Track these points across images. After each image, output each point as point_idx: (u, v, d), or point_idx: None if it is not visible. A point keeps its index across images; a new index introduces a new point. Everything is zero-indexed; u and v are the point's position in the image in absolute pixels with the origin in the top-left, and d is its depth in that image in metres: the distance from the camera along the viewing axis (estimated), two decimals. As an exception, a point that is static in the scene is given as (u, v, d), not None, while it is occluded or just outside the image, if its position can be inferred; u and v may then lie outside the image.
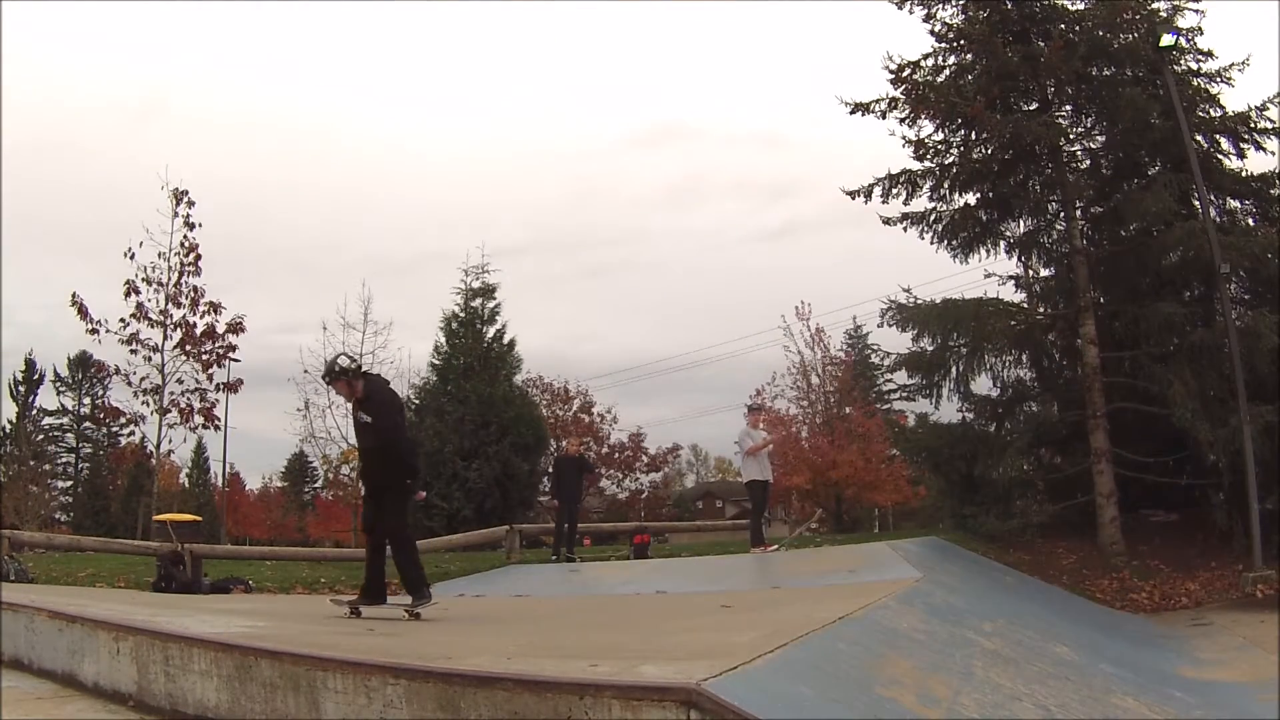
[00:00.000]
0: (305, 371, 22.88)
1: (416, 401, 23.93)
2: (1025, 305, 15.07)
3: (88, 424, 49.52)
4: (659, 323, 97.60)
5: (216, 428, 21.24)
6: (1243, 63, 13.50)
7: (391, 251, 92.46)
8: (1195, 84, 13.77)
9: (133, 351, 18.33)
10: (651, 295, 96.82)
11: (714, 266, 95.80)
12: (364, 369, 7.06)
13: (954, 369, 14.48)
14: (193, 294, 18.95)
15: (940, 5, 14.50)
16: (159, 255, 18.67)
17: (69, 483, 48.22)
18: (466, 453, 22.22)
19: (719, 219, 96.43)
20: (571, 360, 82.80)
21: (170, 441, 19.25)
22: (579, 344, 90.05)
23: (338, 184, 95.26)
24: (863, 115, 14.44)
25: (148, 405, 18.63)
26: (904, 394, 20.07)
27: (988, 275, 15.16)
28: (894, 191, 14.66)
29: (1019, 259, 15.24)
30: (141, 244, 18.50)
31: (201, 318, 19.03)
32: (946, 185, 14.64)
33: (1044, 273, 15.28)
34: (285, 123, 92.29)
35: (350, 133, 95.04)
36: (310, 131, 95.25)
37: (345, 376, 6.67)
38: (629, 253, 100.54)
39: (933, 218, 14.82)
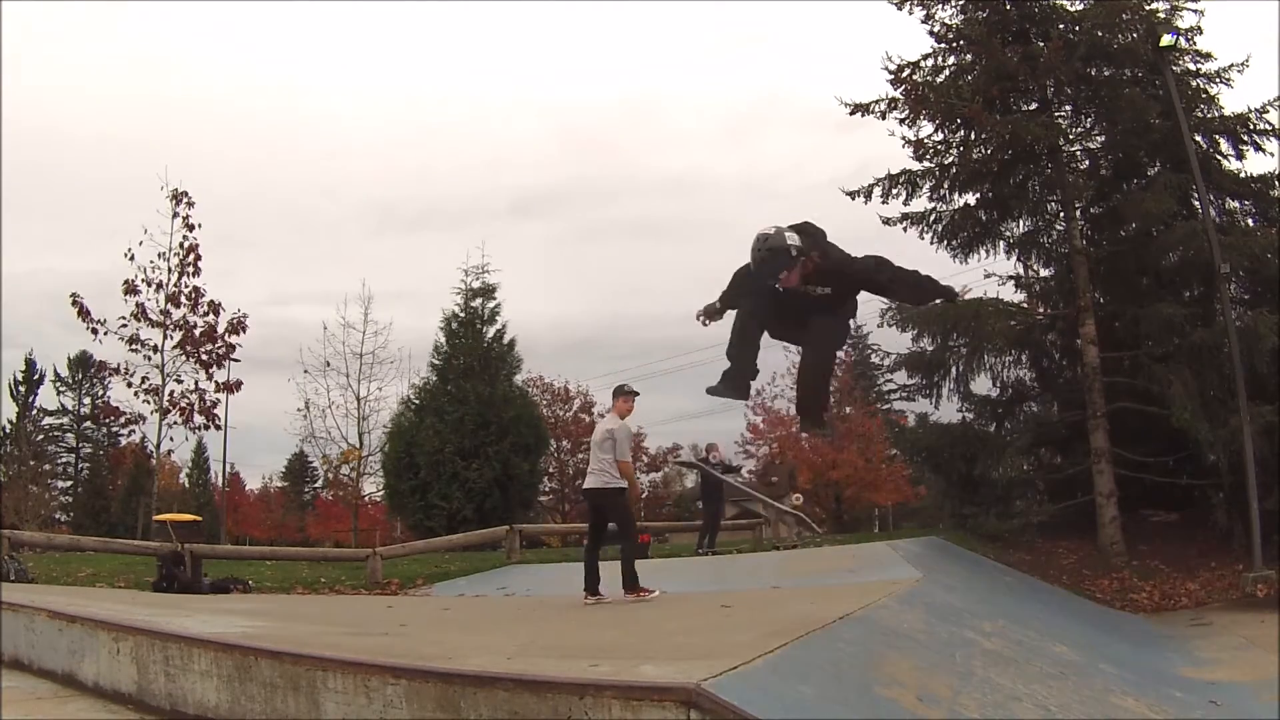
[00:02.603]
0: (305, 371, 22.89)
1: (416, 402, 23.96)
2: (1025, 305, 15.09)
3: (88, 424, 49.50)
4: (692, 291, 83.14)
5: (217, 427, 21.27)
6: (1242, 63, 13.53)
7: (399, 200, 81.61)
8: (1194, 85, 13.79)
9: (134, 350, 18.37)
10: (692, 258, 79.83)
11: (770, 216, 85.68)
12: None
13: (954, 369, 14.52)
14: (193, 295, 18.99)
15: (939, 6, 14.52)
16: (159, 255, 18.72)
17: (69, 483, 48.16)
18: (466, 453, 22.24)
19: (784, 158, 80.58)
20: (594, 343, 76.00)
21: (171, 440, 19.30)
22: (601, 320, 79.85)
23: (336, 110, 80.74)
24: (862, 116, 14.46)
25: (148, 404, 18.68)
26: (904, 394, 20.10)
27: (988, 275, 15.25)
28: (894, 192, 14.69)
29: (1019, 259, 15.29)
30: (141, 243, 18.55)
31: (202, 318, 19.08)
32: (946, 185, 14.67)
33: (1044, 273, 15.34)
34: (280, 49, 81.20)
35: (349, 43, 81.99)
36: (301, 45, 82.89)
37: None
38: (676, 206, 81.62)
39: (933, 218, 14.85)
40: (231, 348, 19.74)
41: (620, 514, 7.67)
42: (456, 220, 77.27)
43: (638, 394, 8.00)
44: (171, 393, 18.68)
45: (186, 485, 49.02)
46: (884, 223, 15.02)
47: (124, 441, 42.38)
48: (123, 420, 20.43)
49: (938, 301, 5.09)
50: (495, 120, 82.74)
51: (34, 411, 47.80)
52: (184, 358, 18.85)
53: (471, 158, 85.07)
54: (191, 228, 19.00)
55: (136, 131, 65.22)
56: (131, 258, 18.45)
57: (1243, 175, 13.79)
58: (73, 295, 18.16)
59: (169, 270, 18.77)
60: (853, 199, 14.71)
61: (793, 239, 4.73)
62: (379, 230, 76.66)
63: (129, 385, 18.50)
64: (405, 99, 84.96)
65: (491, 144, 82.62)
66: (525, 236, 75.10)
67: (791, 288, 4.79)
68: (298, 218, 75.26)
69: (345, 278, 51.13)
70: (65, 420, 50.11)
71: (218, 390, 19.69)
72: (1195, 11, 13.62)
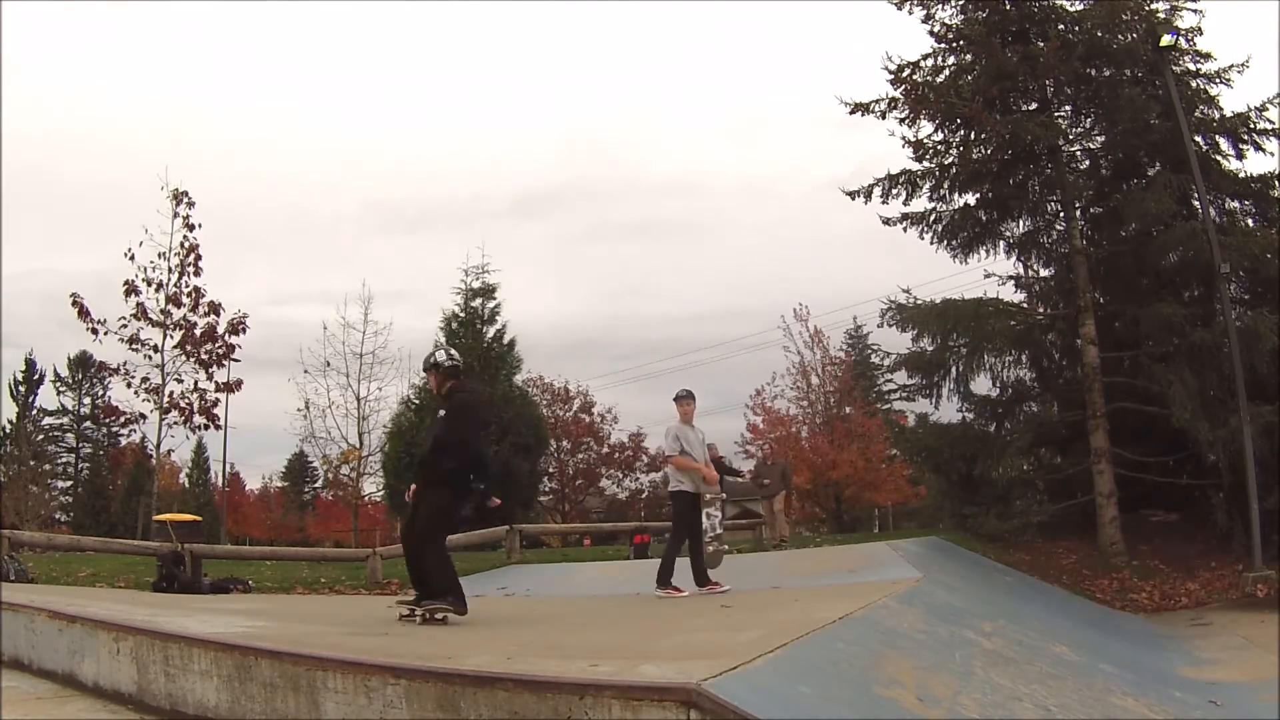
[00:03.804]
0: (305, 371, 22.87)
1: (416, 402, 23.94)
2: (1025, 305, 15.07)
3: (88, 424, 49.52)
4: (694, 294, 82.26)
5: (217, 427, 21.27)
6: (1242, 64, 13.51)
7: (399, 200, 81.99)
8: (1194, 85, 13.79)
9: (134, 350, 18.37)
10: (696, 259, 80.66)
11: (779, 220, 78.33)
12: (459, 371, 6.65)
13: (954, 369, 14.48)
14: (193, 295, 18.98)
15: (939, 5, 14.51)
16: (159, 255, 18.71)
17: (69, 483, 48.16)
18: (466, 453, 22.22)
19: (786, 158, 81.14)
20: (594, 343, 73.30)
21: (172, 438, 19.30)
22: (601, 320, 79.60)
23: (336, 109, 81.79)
24: (862, 115, 14.45)
25: (148, 404, 18.68)
26: (904, 394, 20.06)
27: (988, 275, 15.19)
28: (894, 192, 14.67)
29: (1019, 259, 15.26)
30: (141, 244, 18.54)
31: (202, 318, 19.07)
32: (946, 185, 14.65)
33: (1044, 273, 15.30)
34: (280, 49, 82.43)
35: (350, 43, 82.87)
36: (302, 45, 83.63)
37: (437, 371, 6.49)
38: (677, 206, 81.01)
39: (933, 218, 14.84)
40: (231, 348, 19.72)
41: (674, 513, 8.95)
42: (456, 220, 77.47)
43: (681, 396, 8.96)
44: (171, 393, 18.68)
45: (186, 485, 49.01)
46: (884, 223, 15.03)
47: (124, 441, 42.50)
48: (123, 420, 20.43)
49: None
50: (496, 120, 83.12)
51: (34, 411, 47.82)
52: (184, 358, 18.84)
53: (472, 158, 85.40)
54: (192, 228, 18.99)
55: (137, 131, 65.29)
56: (132, 258, 18.45)
57: (1243, 175, 13.76)
58: (73, 295, 18.15)
59: (169, 270, 18.76)
60: (853, 199, 14.71)
61: (441, 356, 6.53)
62: (379, 230, 76.81)
63: (129, 385, 18.50)
64: (405, 99, 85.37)
65: (492, 144, 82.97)
66: (526, 236, 75.29)
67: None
68: (298, 218, 75.52)
69: (345, 278, 51.28)
70: (65, 420, 50.14)
71: (218, 390, 19.68)
72: (1195, 11, 13.59)
